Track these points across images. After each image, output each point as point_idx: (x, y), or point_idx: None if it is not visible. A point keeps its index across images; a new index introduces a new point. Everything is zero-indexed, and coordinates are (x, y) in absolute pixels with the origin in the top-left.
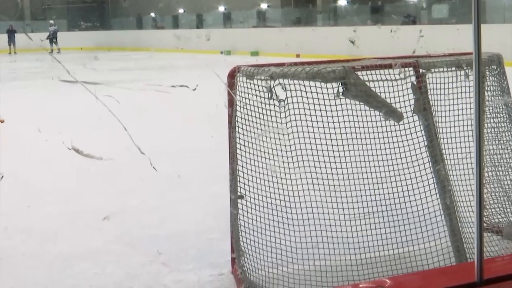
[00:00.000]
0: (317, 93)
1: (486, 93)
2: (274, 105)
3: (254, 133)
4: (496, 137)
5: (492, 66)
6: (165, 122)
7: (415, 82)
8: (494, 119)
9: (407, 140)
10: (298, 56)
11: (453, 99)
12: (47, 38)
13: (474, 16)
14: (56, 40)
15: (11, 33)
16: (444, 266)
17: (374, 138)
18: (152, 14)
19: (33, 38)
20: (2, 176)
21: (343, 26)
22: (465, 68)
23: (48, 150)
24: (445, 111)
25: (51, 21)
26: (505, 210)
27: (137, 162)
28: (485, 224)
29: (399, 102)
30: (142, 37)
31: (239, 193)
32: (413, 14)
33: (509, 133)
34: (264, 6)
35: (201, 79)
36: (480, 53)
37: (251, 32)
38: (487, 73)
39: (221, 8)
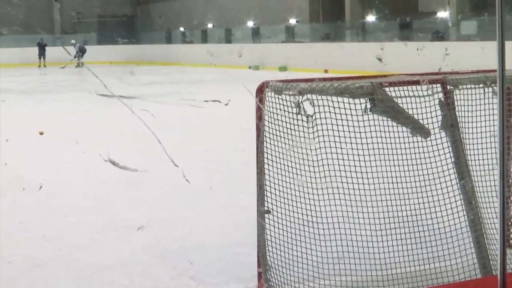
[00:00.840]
0: (345, 108)
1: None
2: (302, 120)
3: (282, 148)
4: None
5: None
6: (198, 135)
7: (442, 99)
8: None
9: (434, 156)
10: (326, 71)
11: (480, 116)
12: (74, 57)
13: (499, 34)
14: (83, 55)
15: (41, 47)
16: (467, 280)
17: (401, 154)
18: (182, 29)
19: (63, 52)
20: (41, 186)
21: (371, 42)
22: (492, 85)
23: (86, 161)
24: (472, 127)
25: (73, 41)
26: None
27: (171, 174)
28: (510, 240)
29: (427, 118)
30: (171, 52)
31: (266, 208)
32: (441, 31)
33: None
34: (293, 21)
35: (232, 93)
36: (504, 70)
37: (280, 47)
38: None
39: (250, 23)
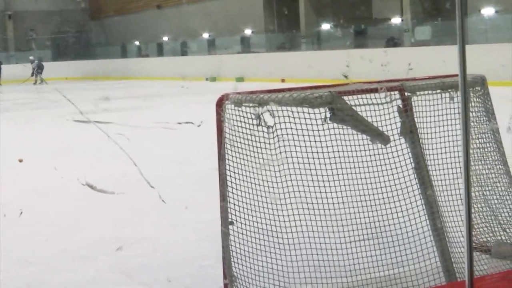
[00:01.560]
0: (305, 118)
1: (471, 114)
2: (263, 131)
3: (244, 159)
4: (482, 158)
5: (476, 88)
6: (172, 156)
7: (400, 105)
8: (480, 140)
9: (394, 163)
10: (283, 81)
11: (438, 121)
12: (31, 75)
13: (459, 39)
14: (41, 71)
15: None
16: (434, 285)
17: (363, 162)
18: (137, 43)
19: (18, 69)
20: (22, 212)
21: (326, 50)
22: (449, 90)
23: (63, 186)
24: (431, 133)
25: (31, 57)
26: (493, 229)
27: (147, 196)
28: (474, 244)
29: (386, 125)
30: (127, 66)
31: (229, 219)
32: (396, 37)
33: (494, 153)
34: (248, 32)
35: (199, 111)
36: (465, 74)
37: (236, 58)
38: (472, 94)
39: (205, 35)
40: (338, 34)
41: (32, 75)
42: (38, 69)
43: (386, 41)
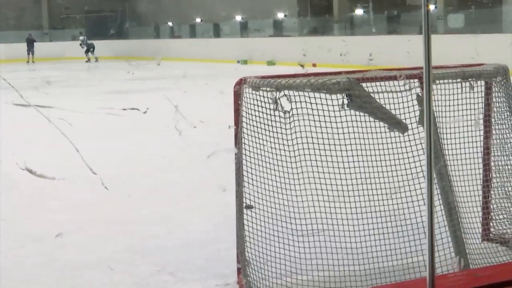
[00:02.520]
0: (322, 104)
1: (493, 104)
2: (280, 116)
3: (260, 144)
4: (503, 148)
5: (498, 78)
6: (119, 143)
7: (420, 94)
8: (501, 130)
9: (412, 151)
10: (314, 65)
11: (458, 110)
12: (86, 53)
13: (425, 30)
14: (93, 50)
15: (30, 42)
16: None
17: (379, 150)
18: (170, 23)
19: (51, 47)
20: None
21: (360, 36)
22: (470, 80)
23: (2, 171)
24: (450, 122)
25: (81, 37)
26: (511, 221)
27: (89, 182)
28: (491, 235)
29: (404, 113)
30: (159, 46)
31: (245, 204)
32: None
33: None
34: (280, 15)
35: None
36: (431, 65)
37: (268, 41)
38: (493, 84)
39: (238, 17)
40: (372, 20)
41: (86, 53)
42: (89, 48)
43: (419, 28)
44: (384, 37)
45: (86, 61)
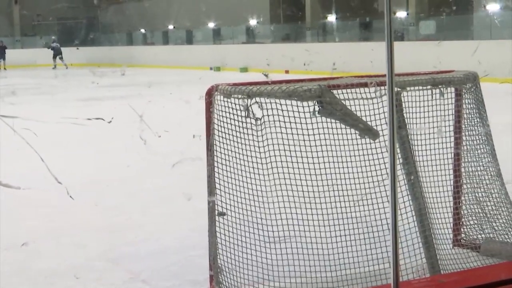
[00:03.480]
0: (293, 111)
1: (463, 111)
2: (251, 123)
3: (232, 151)
4: (473, 154)
5: (468, 84)
6: (84, 152)
7: None
8: (470, 136)
9: (383, 158)
10: (287, 72)
11: (428, 117)
12: (54, 58)
13: (387, 37)
14: (62, 56)
15: (1, 49)
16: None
17: (350, 156)
18: (142, 30)
19: (23, 54)
20: None
21: (331, 43)
22: (440, 86)
23: None
24: (420, 129)
25: (54, 37)
26: (482, 226)
27: (55, 191)
28: (462, 240)
29: (375, 120)
30: (132, 53)
31: (217, 211)
32: (400, 31)
33: (484, 148)
34: (253, 22)
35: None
36: (393, 73)
37: (241, 48)
38: (463, 91)
39: (211, 24)
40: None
41: (54, 58)
42: (57, 54)
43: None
44: (354, 44)
45: (53, 68)
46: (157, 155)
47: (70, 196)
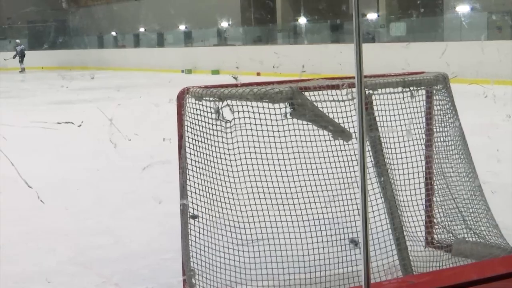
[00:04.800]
0: (264, 113)
1: (434, 112)
2: (222, 125)
3: (203, 153)
4: (446, 155)
5: (439, 86)
6: (54, 156)
7: None
8: (443, 137)
9: (354, 160)
10: (258, 74)
11: (400, 120)
12: (13, 57)
13: (356, 38)
14: (23, 59)
15: None
16: None
17: (323, 157)
18: (113, 33)
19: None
20: None
21: (303, 45)
22: (410, 88)
23: None
24: (391, 130)
25: (18, 41)
26: (454, 227)
27: (25, 195)
28: (434, 241)
29: (348, 122)
30: (104, 56)
31: (191, 213)
32: (371, 33)
33: (458, 150)
34: (224, 24)
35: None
36: (362, 74)
37: (212, 50)
38: (434, 92)
39: (182, 27)
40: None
41: (13, 57)
42: (20, 57)
43: (363, 36)
44: (324, 46)
45: (20, 71)
46: (127, 159)
47: (41, 200)
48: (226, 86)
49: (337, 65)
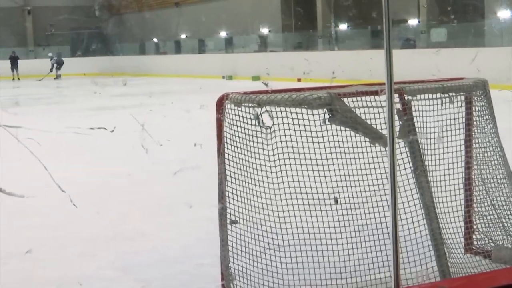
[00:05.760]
0: (303, 119)
1: (473, 118)
2: (261, 132)
3: (243, 159)
4: (485, 160)
5: (478, 92)
6: (86, 161)
7: (400, 108)
8: (482, 143)
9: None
10: (299, 80)
11: (439, 126)
12: (50, 71)
13: (386, 45)
14: (60, 67)
15: (13, 60)
16: None
17: (361, 164)
18: (155, 40)
19: (36, 64)
20: None
21: (344, 51)
22: (449, 94)
23: None
24: (430, 136)
25: (50, 54)
26: (495, 233)
27: (58, 200)
28: (473, 248)
29: (386, 128)
30: (144, 62)
31: (230, 219)
32: (412, 38)
33: (497, 156)
34: (265, 30)
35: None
36: (392, 78)
37: (253, 56)
38: (474, 98)
39: (223, 33)
40: (355, 34)
41: (51, 71)
42: (57, 65)
43: (403, 42)
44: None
45: (55, 78)
46: (159, 164)
47: (74, 204)
48: (265, 92)
49: (373, 71)
